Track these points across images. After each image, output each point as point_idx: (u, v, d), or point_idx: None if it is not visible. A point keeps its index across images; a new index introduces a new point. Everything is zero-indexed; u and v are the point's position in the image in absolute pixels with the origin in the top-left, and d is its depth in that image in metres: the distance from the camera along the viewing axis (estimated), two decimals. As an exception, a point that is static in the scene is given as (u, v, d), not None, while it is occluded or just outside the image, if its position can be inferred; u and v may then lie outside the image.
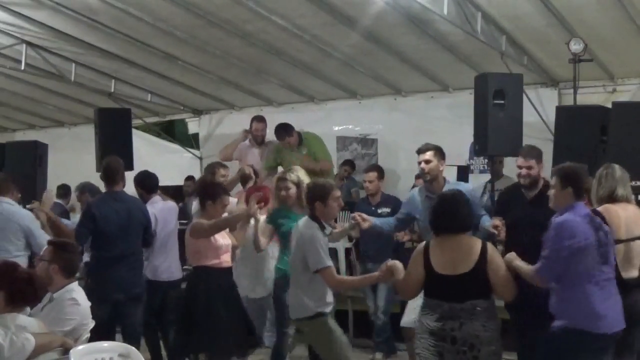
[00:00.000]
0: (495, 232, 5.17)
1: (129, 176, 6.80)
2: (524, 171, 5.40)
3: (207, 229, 5.54)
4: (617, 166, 4.99)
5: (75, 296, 4.41)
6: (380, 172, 7.59)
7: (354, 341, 7.17)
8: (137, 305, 6.16)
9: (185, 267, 6.69)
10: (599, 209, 4.63)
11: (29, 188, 7.09)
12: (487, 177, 7.53)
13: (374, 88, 9.08)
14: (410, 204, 5.87)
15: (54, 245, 4.70)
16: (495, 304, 4.41)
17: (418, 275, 4.36)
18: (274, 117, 9.17)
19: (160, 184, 7.25)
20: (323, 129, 9.29)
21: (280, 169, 8.00)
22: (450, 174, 6.81)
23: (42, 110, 11.08)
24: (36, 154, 7.94)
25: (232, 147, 8.99)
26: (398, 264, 4.51)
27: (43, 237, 6.03)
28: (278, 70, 8.69)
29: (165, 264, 6.64)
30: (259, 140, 8.89)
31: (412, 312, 5.26)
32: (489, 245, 4.37)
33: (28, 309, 4.23)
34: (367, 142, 9.52)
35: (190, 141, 11.32)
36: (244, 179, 7.25)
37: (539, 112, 7.83)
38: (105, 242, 6.01)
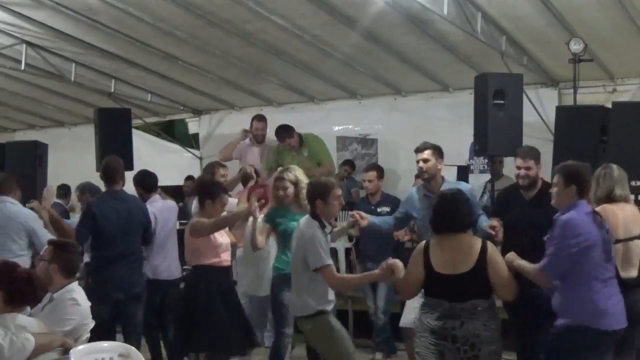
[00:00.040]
0: (493, 232, 5.17)
1: (129, 176, 6.81)
2: (522, 172, 5.41)
3: (207, 227, 5.54)
4: (615, 166, 4.99)
5: (76, 296, 4.41)
6: (380, 172, 7.61)
7: (354, 341, 7.10)
8: (138, 304, 6.16)
9: (185, 267, 6.69)
10: (597, 209, 4.63)
11: (29, 188, 7.08)
12: (487, 177, 7.54)
13: (374, 88, 9.08)
14: (408, 203, 5.87)
15: (54, 245, 4.70)
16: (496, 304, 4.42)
17: (418, 274, 4.35)
18: (274, 117, 9.19)
19: (160, 184, 7.26)
20: (323, 129, 9.30)
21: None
22: (450, 174, 6.83)
23: (42, 110, 11.07)
24: (36, 154, 7.94)
25: (231, 147, 9.00)
26: (398, 262, 4.51)
27: (46, 237, 6.02)
28: (278, 70, 8.69)
29: (165, 264, 6.65)
30: (259, 140, 8.92)
31: (412, 312, 5.27)
32: (489, 245, 4.36)
33: (28, 309, 4.23)
34: (367, 142, 9.52)
35: (190, 141, 11.33)
36: (245, 178, 7.24)
37: (539, 112, 7.83)
38: (105, 242, 6.01)
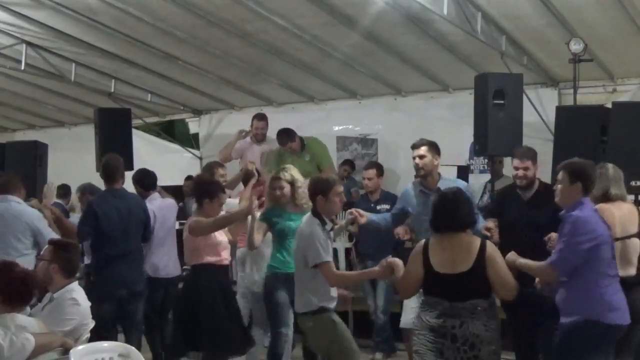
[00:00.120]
0: (489, 234, 5.17)
1: (129, 176, 6.82)
2: (520, 172, 5.43)
3: (207, 226, 5.54)
4: (610, 165, 5.01)
5: (76, 296, 4.41)
6: (380, 170, 7.63)
7: (355, 341, 7.16)
8: (139, 302, 6.19)
9: (184, 267, 6.69)
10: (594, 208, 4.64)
11: (29, 188, 7.07)
12: (487, 177, 7.54)
13: (374, 88, 9.08)
14: (404, 199, 5.89)
15: (54, 244, 4.70)
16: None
17: (417, 273, 4.34)
18: (274, 117, 9.20)
19: (160, 184, 7.28)
20: (323, 129, 9.31)
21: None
22: (450, 174, 6.82)
23: (42, 110, 11.06)
24: (36, 154, 7.95)
25: (229, 147, 9.04)
26: (398, 261, 4.53)
27: (50, 236, 6.03)
28: (278, 70, 8.69)
29: (164, 262, 6.66)
30: (259, 139, 8.96)
31: (411, 312, 5.27)
32: (489, 244, 4.35)
33: (28, 309, 4.24)
34: (367, 142, 9.52)
35: (190, 141, 11.33)
36: (247, 176, 7.19)
37: (539, 112, 7.82)
38: (106, 240, 6.03)
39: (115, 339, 5.50)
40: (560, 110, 6.91)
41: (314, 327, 4.88)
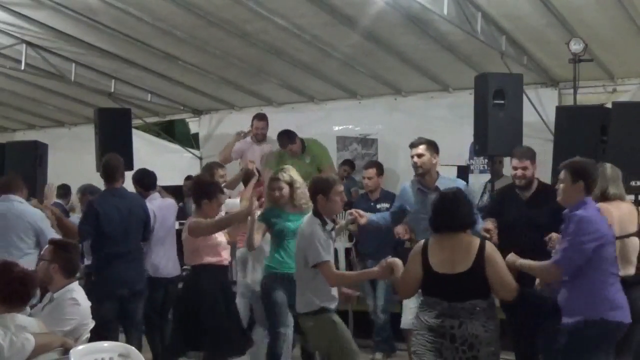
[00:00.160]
0: (488, 235, 5.16)
1: (129, 176, 6.82)
2: (519, 172, 5.43)
3: (206, 227, 5.55)
4: (608, 165, 5.02)
5: (76, 296, 4.42)
6: (379, 169, 7.65)
7: (354, 341, 7.15)
8: (140, 301, 6.20)
9: (184, 267, 6.70)
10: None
11: (29, 188, 7.08)
12: (487, 177, 7.54)
13: (374, 88, 9.08)
14: (402, 197, 5.91)
15: (54, 244, 4.71)
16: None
17: (416, 273, 4.33)
18: (274, 117, 9.21)
19: (160, 184, 7.28)
20: (323, 129, 9.31)
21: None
22: (450, 174, 6.83)
23: (42, 110, 11.06)
24: (36, 154, 7.95)
25: (229, 148, 9.05)
26: (398, 261, 4.53)
27: (53, 236, 6.04)
28: (278, 70, 8.69)
29: (164, 261, 6.67)
30: (259, 139, 8.97)
31: (411, 312, 5.26)
32: (488, 244, 4.34)
33: (28, 309, 4.24)
34: (367, 142, 9.52)
35: (190, 141, 11.33)
36: (247, 176, 7.19)
37: (539, 112, 7.82)
38: (107, 239, 6.04)
39: (117, 339, 5.51)
40: (560, 110, 6.91)
41: (314, 327, 4.88)
